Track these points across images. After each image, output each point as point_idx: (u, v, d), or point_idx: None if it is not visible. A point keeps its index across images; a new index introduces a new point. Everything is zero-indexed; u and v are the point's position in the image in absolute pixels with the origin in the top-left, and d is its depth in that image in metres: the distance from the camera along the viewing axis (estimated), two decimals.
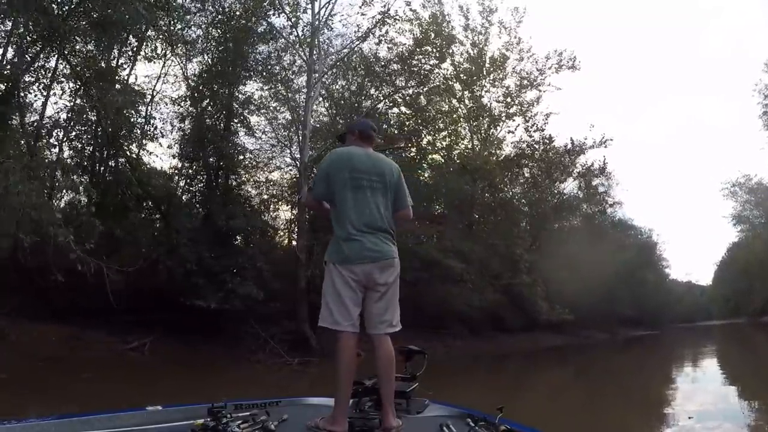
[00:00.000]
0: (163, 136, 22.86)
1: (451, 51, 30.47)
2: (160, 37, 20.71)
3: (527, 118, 35.47)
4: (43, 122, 19.83)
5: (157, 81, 24.35)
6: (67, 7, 17.07)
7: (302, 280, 21.46)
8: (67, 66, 19.28)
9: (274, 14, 22.89)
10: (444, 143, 33.14)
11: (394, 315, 3.91)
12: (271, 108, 27.22)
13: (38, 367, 13.74)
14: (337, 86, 28.81)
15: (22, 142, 16.51)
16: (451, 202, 32.77)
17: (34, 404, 10.29)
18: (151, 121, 22.52)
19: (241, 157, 24.80)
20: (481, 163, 31.96)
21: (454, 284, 27.94)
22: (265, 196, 28.18)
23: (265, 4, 22.41)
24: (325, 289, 3.82)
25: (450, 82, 32.67)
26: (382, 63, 26.54)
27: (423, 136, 30.23)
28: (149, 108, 23.12)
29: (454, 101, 34.03)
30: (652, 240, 58.31)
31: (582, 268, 35.92)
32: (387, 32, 24.75)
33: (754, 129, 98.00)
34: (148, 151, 23.01)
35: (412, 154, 30.77)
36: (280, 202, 28.07)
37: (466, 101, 35.06)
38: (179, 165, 24.51)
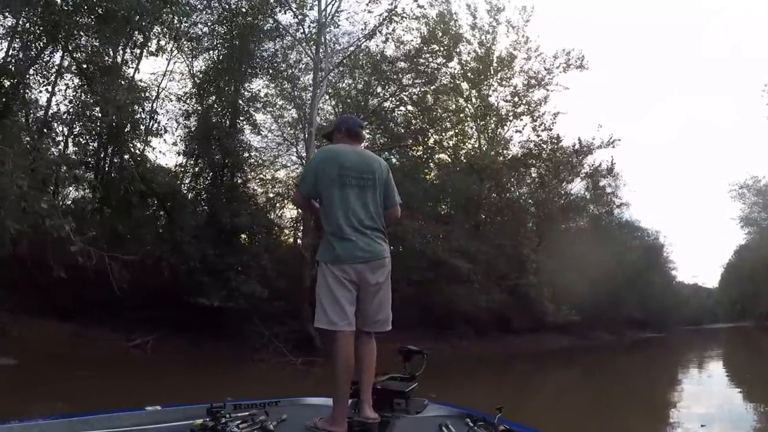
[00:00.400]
0: (166, 131, 22.77)
1: (458, 50, 30.29)
2: (164, 30, 20.58)
3: (535, 118, 35.28)
4: (48, 118, 19.76)
5: (163, 78, 24.43)
6: (72, 2, 16.93)
7: (307, 278, 21.27)
8: (72, 62, 19.24)
9: (280, 11, 22.76)
10: (451, 142, 33.06)
11: (387, 314, 3.95)
12: (277, 106, 27.25)
13: (36, 364, 13.60)
14: (344, 84, 28.73)
15: (27, 138, 16.31)
16: (457, 201, 32.63)
17: (23, 403, 10.13)
18: (156, 117, 22.46)
19: (247, 154, 24.81)
20: (488, 162, 31.81)
21: (461, 284, 27.77)
22: (271, 195, 28.12)
23: (271, 0, 22.25)
24: (319, 290, 3.78)
25: (457, 81, 32.52)
26: (389, 61, 26.38)
27: (430, 135, 30.09)
28: (154, 104, 23.15)
29: (461, 100, 33.94)
30: (659, 242, 57.91)
31: (589, 270, 35.67)
32: (394, 30, 24.56)
33: (762, 129, 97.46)
34: (152, 146, 22.99)
35: (419, 153, 30.66)
36: (285, 201, 27.88)
37: (473, 100, 34.91)
38: (184, 162, 24.48)
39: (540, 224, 37.64)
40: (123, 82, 18.95)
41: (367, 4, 23.58)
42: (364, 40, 24.75)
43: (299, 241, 26.30)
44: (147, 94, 22.06)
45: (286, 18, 23.15)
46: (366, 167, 3.89)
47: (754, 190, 58.90)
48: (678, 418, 12.42)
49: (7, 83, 17.45)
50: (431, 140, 30.40)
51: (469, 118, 34.62)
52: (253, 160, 26.45)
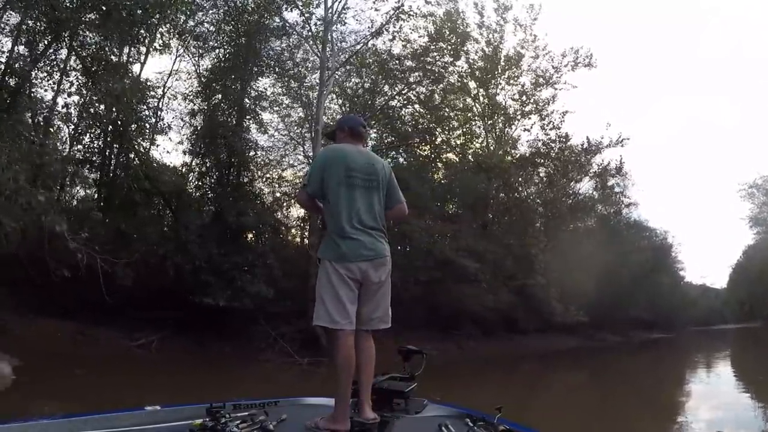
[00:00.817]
0: (170, 129, 23.01)
1: (465, 49, 30.13)
2: (170, 28, 20.54)
3: (543, 116, 35.21)
4: (53, 115, 19.69)
5: (169, 77, 24.57)
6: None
7: (313, 278, 21.03)
8: (77, 60, 19.16)
9: (286, 9, 22.61)
10: (458, 142, 33.08)
11: (386, 312, 3.94)
12: (284, 105, 27.19)
13: (34, 363, 13.44)
14: (351, 83, 28.73)
15: (32, 135, 16.21)
16: (465, 201, 32.45)
17: (10, 402, 10.03)
18: (160, 115, 22.47)
19: (253, 153, 24.76)
20: (496, 161, 31.60)
21: (468, 284, 27.63)
22: (278, 195, 28.00)
23: None
24: (321, 287, 3.80)
25: (464, 80, 32.46)
26: (396, 60, 26.27)
27: (437, 134, 29.97)
28: (161, 103, 23.35)
29: (468, 99, 33.93)
30: (667, 242, 57.63)
31: (597, 270, 35.66)
32: (401, 28, 24.45)
33: None
34: (156, 144, 22.99)
35: (426, 153, 30.54)
36: (292, 200, 27.76)
37: (481, 99, 34.86)
38: (190, 161, 24.48)
39: (548, 224, 37.42)
40: (127, 81, 18.79)
41: (374, 2, 23.53)
42: (370, 37, 24.61)
43: (306, 240, 26.20)
44: (152, 93, 22.19)
45: (292, 16, 23.08)
46: (371, 168, 3.92)
47: (764, 189, 58.72)
48: (687, 421, 12.37)
49: (12, 82, 17.39)
50: (438, 139, 30.32)
51: (476, 117, 34.58)
52: (259, 160, 26.48)
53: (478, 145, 35.05)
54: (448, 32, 27.21)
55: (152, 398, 3.67)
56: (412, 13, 24.41)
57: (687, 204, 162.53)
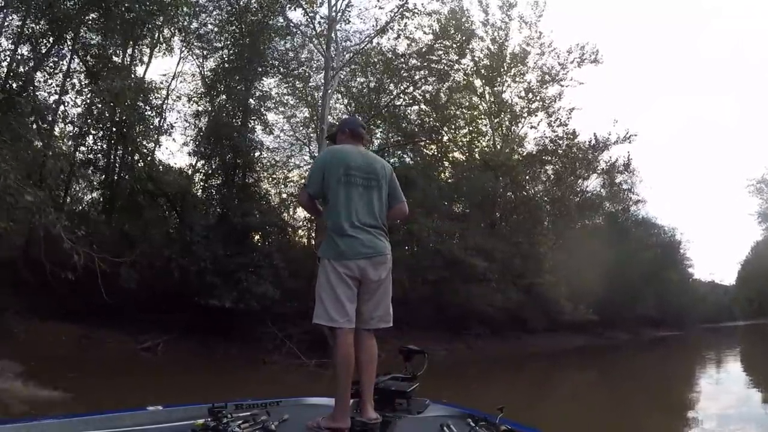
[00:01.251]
0: (173, 128, 22.97)
1: (471, 47, 30.05)
2: (172, 28, 20.51)
3: (550, 113, 35.10)
4: (56, 117, 19.63)
5: (173, 79, 24.52)
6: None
7: None
8: (80, 62, 19.14)
9: (290, 8, 22.54)
10: (465, 140, 33.05)
11: (387, 311, 3.94)
12: (289, 105, 27.18)
13: (38, 367, 13.33)
14: (356, 83, 28.67)
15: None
16: (473, 200, 32.30)
17: None
18: (164, 115, 22.45)
19: (258, 153, 24.78)
20: (503, 159, 31.46)
21: (477, 284, 27.58)
22: (284, 196, 27.95)
23: None
24: (320, 286, 3.83)
25: (470, 78, 32.32)
26: (402, 58, 26.22)
27: (443, 133, 29.88)
28: (165, 104, 23.24)
29: (474, 98, 33.81)
30: (675, 239, 57.42)
31: (605, 268, 35.57)
32: (406, 25, 24.34)
33: None
34: (161, 145, 23.09)
35: (432, 152, 30.44)
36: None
37: (487, 97, 34.71)
38: (194, 162, 24.43)
39: (556, 222, 37.25)
40: (127, 81, 18.73)
41: (378, 0, 23.41)
42: (375, 35, 24.54)
43: (313, 240, 26.11)
44: (155, 94, 22.17)
45: (296, 15, 23.03)
46: (370, 168, 3.98)
47: None
48: (697, 419, 12.39)
49: (14, 84, 17.36)
50: (445, 138, 30.22)
51: (483, 116, 34.41)
52: (265, 160, 26.55)
53: (484, 144, 35.01)
54: (453, 30, 27.07)
55: (157, 401, 3.62)
56: (416, 11, 24.25)
57: (694, 201, 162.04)
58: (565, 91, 35.42)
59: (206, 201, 23.42)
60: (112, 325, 18.19)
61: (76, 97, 19.85)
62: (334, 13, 22.72)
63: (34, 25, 18.06)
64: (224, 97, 23.70)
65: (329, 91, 23.05)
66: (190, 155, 24.15)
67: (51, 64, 19.04)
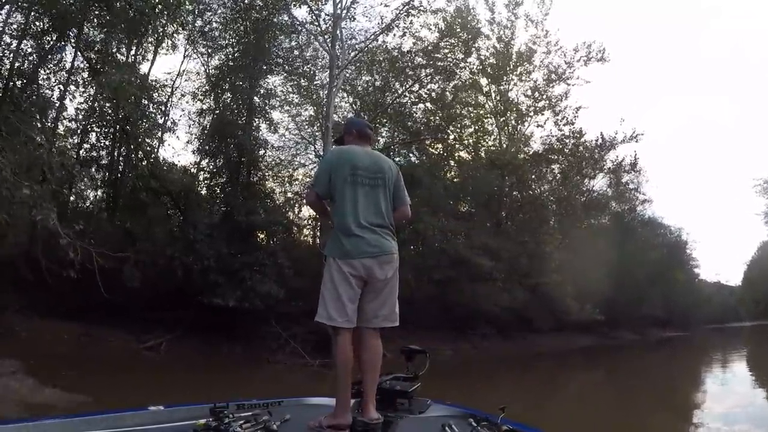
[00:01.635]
0: (175, 124, 22.73)
1: (476, 45, 29.95)
2: (175, 25, 20.49)
3: (556, 112, 34.93)
4: (59, 116, 19.68)
5: (178, 76, 24.57)
6: None
7: None
8: (83, 60, 19.12)
9: (294, 5, 22.38)
10: (471, 140, 32.98)
11: (392, 310, 3.95)
12: (294, 103, 27.08)
13: (34, 364, 13.22)
14: (361, 81, 28.57)
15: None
16: (479, 199, 32.17)
17: None
18: (168, 113, 22.50)
19: (263, 152, 24.73)
20: (509, 158, 31.33)
21: (483, 283, 27.52)
22: (290, 194, 27.86)
23: None
24: (323, 285, 3.87)
25: (476, 77, 32.31)
26: (407, 51, 26.25)
27: (449, 132, 29.76)
28: (169, 102, 23.35)
29: (480, 96, 33.77)
30: (681, 239, 57.33)
31: (611, 268, 35.67)
32: (411, 23, 24.22)
33: None
34: (164, 142, 23.07)
35: (438, 152, 30.34)
36: (303, 200, 27.65)
37: (493, 95, 34.67)
38: (198, 160, 24.46)
39: (562, 222, 37.11)
40: (126, 76, 18.67)
41: None
42: (380, 32, 24.31)
43: (318, 240, 26.03)
44: (158, 91, 22.24)
45: (301, 13, 22.94)
46: (377, 167, 4.02)
47: None
48: (702, 419, 12.38)
49: (18, 82, 17.36)
50: (451, 137, 30.11)
51: (489, 114, 34.40)
52: (270, 159, 26.57)
53: (490, 143, 34.92)
54: (459, 28, 26.93)
55: (158, 400, 3.61)
56: (422, 8, 24.10)
57: (700, 200, 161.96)
58: (571, 89, 35.23)
59: (210, 199, 23.33)
60: (114, 324, 18.10)
61: (78, 92, 19.93)
62: (339, 11, 22.66)
63: (37, 22, 18.01)
64: (229, 95, 23.64)
65: (334, 89, 22.93)
66: (194, 153, 24.26)
67: (54, 61, 19.04)
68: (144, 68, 22.34)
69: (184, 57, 24.40)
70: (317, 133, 27.37)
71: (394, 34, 24.60)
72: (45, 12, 17.32)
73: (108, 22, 18.06)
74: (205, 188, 23.59)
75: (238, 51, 23.25)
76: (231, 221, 20.68)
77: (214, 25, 23.38)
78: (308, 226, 29.69)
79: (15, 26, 17.91)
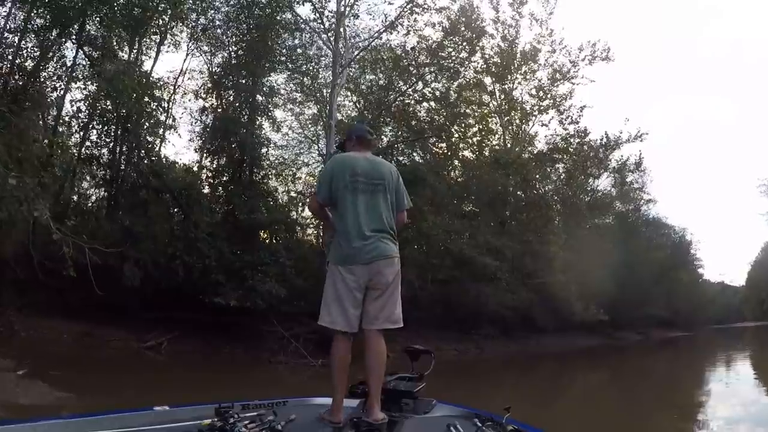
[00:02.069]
0: (174, 120, 22.72)
1: (481, 44, 29.74)
2: (175, 18, 20.44)
3: (561, 111, 35.03)
4: (61, 113, 19.78)
5: (181, 75, 24.61)
6: None
7: None
8: (85, 57, 19.06)
9: (298, 3, 22.33)
10: (475, 139, 32.99)
11: (393, 311, 3.99)
12: (297, 101, 27.10)
13: (34, 364, 13.08)
14: (365, 80, 28.65)
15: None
16: (483, 198, 32.04)
17: None
18: (169, 110, 22.43)
19: (265, 150, 24.64)
20: (513, 157, 31.24)
21: (487, 283, 27.41)
22: (293, 194, 27.78)
23: None
24: (326, 289, 3.97)
25: (480, 76, 32.36)
26: (411, 55, 26.21)
27: (453, 132, 29.69)
28: (172, 99, 23.41)
29: (484, 96, 33.80)
30: (685, 239, 57.27)
31: (615, 268, 35.57)
32: (416, 20, 24.13)
33: None
34: (166, 140, 22.94)
35: (442, 150, 30.23)
36: (306, 199, 27.58)
37: (497, 94, 34.71)
38: (200, 158, 24.43)
39: (566, 222, 37.01)
40: (132, 72, 18.59)
41: None
42: (384, 30, 24.38)
43: (321, 239, 25.96)
44: (161, 90, 22.09)
45: (304, 11, 22.89)
46: (376, 173, 4.07)
47: None
48: (705, 420, 12.33)
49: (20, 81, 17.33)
50: (454, 137, 30.04)
51: (493, 114, 34.38)
52: (273, 158, 26.64)
53: (495, 142, 35.00)
54: (463, 27, 26.80)
55: (159, 401, 3.59)
56: (426, 6, 24.15)
57: (703, 200, 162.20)
58: (576, 89, 35.40)
59: (212, 198, 23.13)
60: (114, 323, 17.97)
61: (79, 88, 19.88)
62: (342, 7, 22.58)
63: (38, 19, 17.95)
64: (231, 92, 23.59)
65: (337, 87, 22.89)
66: (196, 151, 24.28)
67: (55, 58, 19.04)
68: (147, 66, 22.32)
69: (187, 55, 24.45)
70: (321, 132, 27.40)
71: (398, 32, 24.57)
72: (46, 8, 17.24)
73: (109, 18, 17.97)
74: (207, 187, 23.40)
75: (241, 49, 23.20)
76: (233, 220, 20.66)
77: (217, 23, 23.34)
78: (311, 226, 29.63)
79: (15, 23, 17.91)
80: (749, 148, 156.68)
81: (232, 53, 23.64)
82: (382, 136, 27.61)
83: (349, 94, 28.60)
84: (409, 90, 27.47)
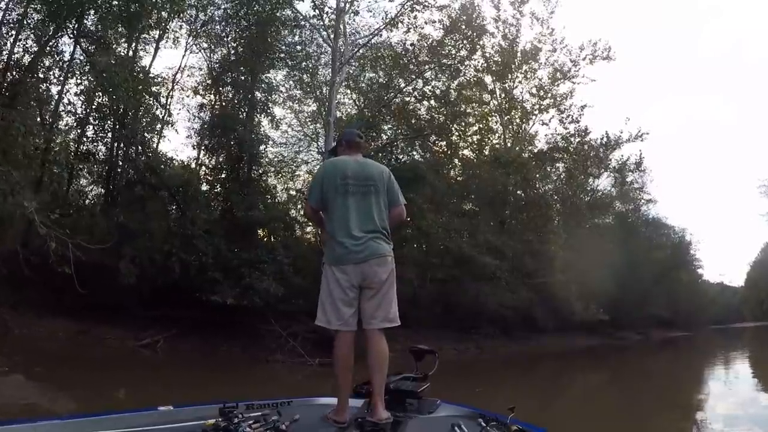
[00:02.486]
0: (170, 115, 22.75)
1: (482, 43, 29.74)
2: (173, 13, 20.35)
3: (561, 110, 35.01)
4: (59, 110, 19.74)
5: (179, 71, 24.44)
6: None
7: None
8: (82, 52, 18.97)
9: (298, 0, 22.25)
10: (474, 138, 33.03)
11: (389, 310, 4.04)
12: (296, 98, 27.08)
13: (28, 362, 12.95)
14: (365, 78, 28.59)
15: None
16: (483, 197, 31.97)
17: None
18: (167, 106, 22.53)
19: (263, 147, 24.55)
20: (514, 156, 31.16)
21: (487, 282, 27.36)
22: (293, 192, 27.70)
23: None
24: (321, 290, 4.05)
25: (481, 75, 32.31)
26: (411, 43, 26.10)
27: (453, 131, 29.61)
28: (170, 95, 23.33)
29: (485, 94, 33.78)
30: (685, 239, 57.22)
31: (615, 268, 35.57)
32: (416, 17, 24.00)
33: None
34: (163, 136, 23.06)
35: (442, 149, 30.16)
36: (305, 198, 27.50)
37: (497, 92, 34.69)
38: (198, 155, 24.34)
39: (566, 221, 36.93)
40: (126, 65, 18.50)
41: None
42: (384, 26, 24.28)
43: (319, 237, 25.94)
44: (159, 87, 22.06)
45: (304, 7, 22.85)
46: (366, 174, 4.16)
47: None
48: (705, 420, 12.22)
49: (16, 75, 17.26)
50: (454, 136, 29.97)
51: (493, 113, 34.38)
52: (272, 156, 26.72)
53: (495, 141, 35.05)
54: (464, 26, 26.69)
55: (157, 401, 3.56)
56: (426, 4, 23.95)
57: (703, 201, 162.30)
58: (576, 88, 35.34)
59: (210, 195, 23.09)
60: (111, 322, 17.83)
61: (75, 82, 19.81)
62: (342, 4, 22.49)
63: (35, 14, 17.87)
64: (230, 89, 23.51)
65: (336, 81, 22.81)
66: (194, 148, 24.15)
67: (52, 52, 19.01)
68: (146, 62, 22.41)
69: (186, 51, 24.28)
70: (320, 130, 27.34)
71: (398, 30, 24.49)
72: (43, 2, 17.16)
73: (106, 11, 17.88)
74: (204, 184, 23.29)
75: (240, 45, 23.15)
76: (230, 217, 20.60)
77: (217, 19, 23.31)
78: (310, 224, 29.59)
79: (12, 18, 17.81)
80: (749, 149, 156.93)
81: (231, 50, 23.50)
82: (382, 134, 27.56)
83: (348, 91, 28.65)
84: (409, 88, 27.38)
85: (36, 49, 18.46)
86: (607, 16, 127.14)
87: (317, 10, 22.45)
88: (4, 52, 17.73)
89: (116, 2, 18.09)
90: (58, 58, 19.30)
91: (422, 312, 22.69)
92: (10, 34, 17.93)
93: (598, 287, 33.91)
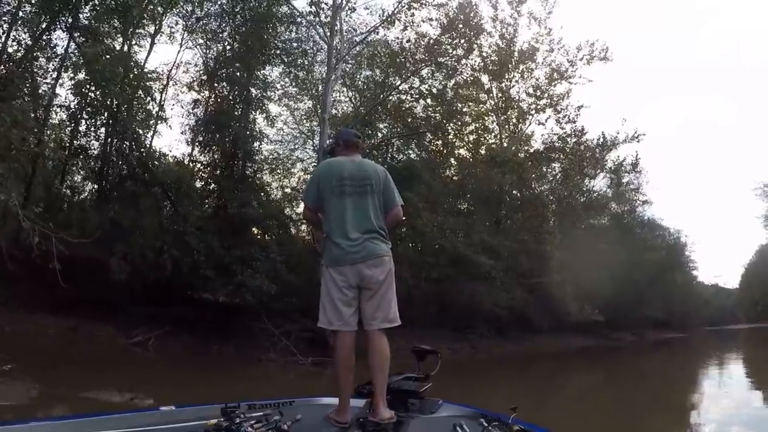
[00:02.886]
0: (164, 109, 22.66)
1: (479, 42, 29.69)
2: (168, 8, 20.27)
3: (558, 110, 34.98)
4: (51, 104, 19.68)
5: (174, 67, 24.66)
6: None
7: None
8: (76, 47, 18.91)
9: None
10: (471, 138, 33.01)
11: (388, 311, 4.07)
12: (292, 95, 27.02)
13: (17, 359, 12.79)
14: (361, 76, 28.66)
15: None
16: (478, 197, 31.93)
17: None
18: (160, 101, 22.49)
19: (258, 144, 24.41)
20: (510, 155, 31.10)
21: (482, 282, 27.37)
22: (288, 189, 27.62)
23: None
24: (321, 291, 4.09)
25: (477, 74, 32.33)
26: (408, 40, 26.15)
27: (449, 130, 29.51)
28: (165, 91, 23.44)
29: (482, 94, 33.82)
30: (680, 241, 57.36)
31: (611, 269, 35.46)
32: (413, 15, 23.95)
33: None
34: (157, 132, 22.94)
35: (438, 148, 30.06)
36: (300, 195, 27.39)
37: (494, 93, 34.71)
38: (192, 151, 24.12)
39: (561, 222, 36.91)
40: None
41: None
42: (380, 23, 24.14)
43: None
44: (153, 83, 22.11)
45: (301, 3, 22.75)
46: (363, 175, 4.17)
47: None
48: (698, 421, 12.48)
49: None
50: (450, 135, 29.89)
51: (490, 112, 34.44)
52: (267, 153, 26.73)
53: (491, 141, 35.06)
54: (461, 24, 26.59)
55: (156, 400, 3.46)
56: (424, 1, 23.97)
57: (699, 202, 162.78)
58: (573, 88, 35.37)
59: (203, 191, 22.89)
60: (102, 319, 17.53)
61: (68, 76, 19.69)
62: (339, 0, 22.49)
63: (29, 7, 17.77)
64: (225, 85, 23.34)
65: (332, 78, 22.77)
66: (188, 144, 23.95)
67: (47, 48, 18.96)
68: (141, 57, 22.35)
69: (181, 46, 24.40)
70: (316, 128, 27.16)
71: (395, 28, 24.41)
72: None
73: (99, 3, 17.79)
74: (198, 180, 23.12)
75: (236, 41, 22.98)
76: (223, 214, 20.37)
77: (212, 14, 23.18)
78: (305, 222, 29.48)
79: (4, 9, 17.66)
80: (746, 151, 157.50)
81: (227, 46, 23.39)
82: (378, 132, 27.47)
83: (344, 89, 28.71)
84: (406, 86, 27.26)
85: (29, 42, 18.29)
86: (605, 16, 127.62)
87: (314, 7, 22.23)
88: None
89: None
90: (51, 53, 19.26)
91: (417, 311, 22.60)
92: (3, 28, 17.80)
93: (593, 288, 33.92)
